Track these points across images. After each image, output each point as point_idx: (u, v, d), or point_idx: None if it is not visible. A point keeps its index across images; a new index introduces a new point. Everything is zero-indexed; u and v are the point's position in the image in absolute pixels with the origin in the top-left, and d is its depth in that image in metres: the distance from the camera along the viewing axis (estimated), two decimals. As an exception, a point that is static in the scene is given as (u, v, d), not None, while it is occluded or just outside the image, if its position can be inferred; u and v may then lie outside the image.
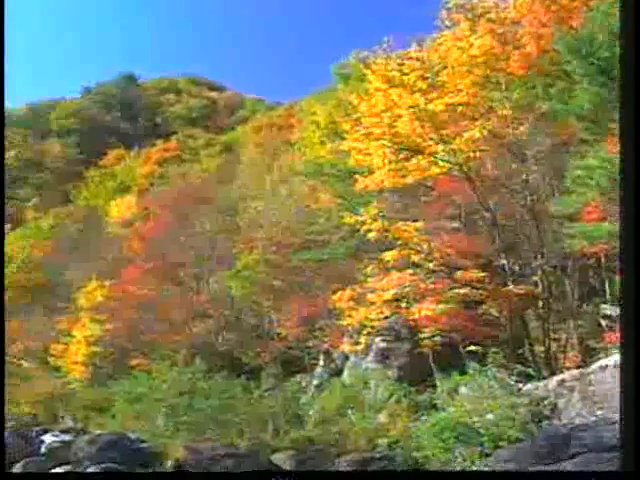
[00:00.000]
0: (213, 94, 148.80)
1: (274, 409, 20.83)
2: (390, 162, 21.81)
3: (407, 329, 22.07)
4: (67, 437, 22.82)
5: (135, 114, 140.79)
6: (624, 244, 7.77)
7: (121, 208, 73.95)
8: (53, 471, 17.10)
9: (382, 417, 19.31)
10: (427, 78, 21.83)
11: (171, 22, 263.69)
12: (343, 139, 25.25)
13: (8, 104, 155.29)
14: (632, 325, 7.30)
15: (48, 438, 23.21)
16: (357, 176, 23.69)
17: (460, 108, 21.46)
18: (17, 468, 17.64)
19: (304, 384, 27.02)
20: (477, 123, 21.01)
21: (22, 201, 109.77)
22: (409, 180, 22.01)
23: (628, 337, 7.42)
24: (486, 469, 13.13)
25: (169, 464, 17.45)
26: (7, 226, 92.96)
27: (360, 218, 22.29)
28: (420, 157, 21.65)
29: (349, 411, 20.44)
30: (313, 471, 13.82)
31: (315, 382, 26.29)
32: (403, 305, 21.72)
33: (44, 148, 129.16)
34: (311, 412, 21.64)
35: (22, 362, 44.27)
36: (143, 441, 20.13)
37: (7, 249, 71.91)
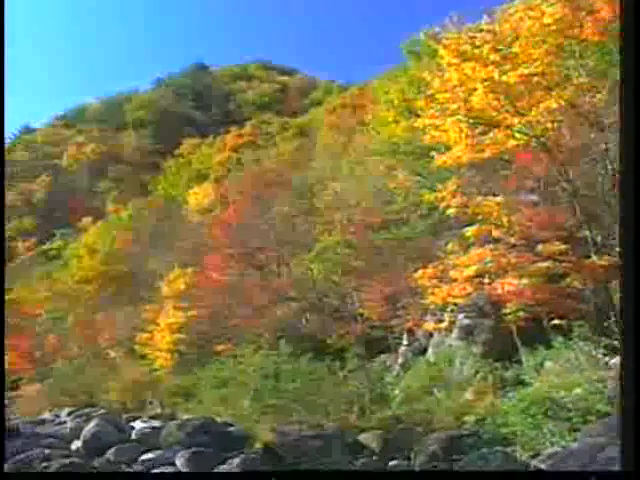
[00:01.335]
0: (284, 78, 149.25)
1: (359, 389, 20.86)
2: (466, 137, 21.59)
3: (490, 305, 21.85)
4: (156, 423, 23.15)
5: (208, 102, 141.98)
6: (624, 243, 7.68)
7: (199, 196, 74.70)
8: (144, 457, 17.40)
9: (468, 394, 19.19)
10: (500, 50, 21.47)
11: (239, 9, 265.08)
12: (418, 116, 25.02)
13: (83, 100, 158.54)
14: (632, 325, 7.26)
15: (138, 424, 23.58)
16: (434, 153, 23.52)
17: (535, 78, 21.04)
18: (109, 454, 18.05)
19: (388, 364, 27.02)
20: (553, 93, 20.61)
21: (102, 194, 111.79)
22: (486, 154, 21.74)
23: (628, 337, 7.39)
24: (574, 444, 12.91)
25: (257, 447, 17.65)
26: (88, 219, 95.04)
27: (439, 195, 22.16)
28: (496, 130, 21.37)
29: (434, 389, 20.38)
30: (313, 471, 13.75)
31: (399, 361, 26.26)
32: (486, 281, 21.55)
33: (121, 141, 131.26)
34: (396, 391, 21.63)
35: (109, 351, 45.18)
36: (231, 425, 20.37)
37: (89, 242, 73.49)
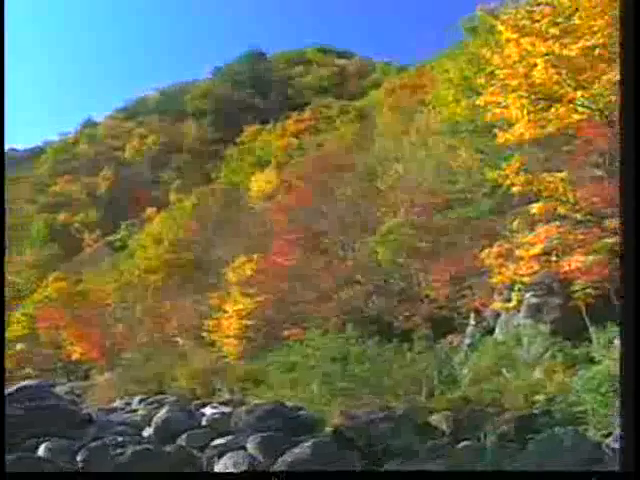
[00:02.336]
0: (342, 61, 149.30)
1: (428, 371, 20.86)
2: (528, 113, 21.26)
3: (558, 283, 21.61)
4: (226, 409, 23.41)
5: (266, 89, 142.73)
6: (624, 243, 7.62)
7: (261, 182, 75.07)
8: (215, 442, 17.59)
9: (537, 373, 19.04)
10: (559, 23, 21.09)
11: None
12: (478, 94, 24.77)
13: (142, 93, 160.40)
14: (632, 324, 7.18)
15: (208, 411, 23.87)
16: (496, 130, 23.25)
17: (596, 51, 20.60)
18: (181, 440, 18.32)
19: (456, 344, 26.92)
20: (615, 65, 20.21)
21: (164, 184, 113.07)
22: (549, 130, 21.38)
23: (628, 336, 7.31)
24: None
25: (327, 430, 17.73)
26: (152, 209, 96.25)
27: (502, 173, 21.92)
28: (559, 105, 21.01)
29: (503, 369, 20.25)
30: (314, 471, 13.70)
31: (467, 341, 26.14)
32: (552, 258, 21.28)
33: (181, 131, 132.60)
34: (465, 372, 21.57)
35: (177, 339, 45.76)
36: (300, 409, 20.49)
37: (154, 232, 74.44)
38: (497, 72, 22.41)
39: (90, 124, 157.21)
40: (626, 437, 7.17)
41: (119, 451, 15.87)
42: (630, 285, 7.32)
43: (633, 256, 7.29)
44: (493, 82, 22.54)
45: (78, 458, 15.73)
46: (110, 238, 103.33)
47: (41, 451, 16.34)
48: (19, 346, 66.77)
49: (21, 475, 11.05)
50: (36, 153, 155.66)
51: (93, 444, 16.64)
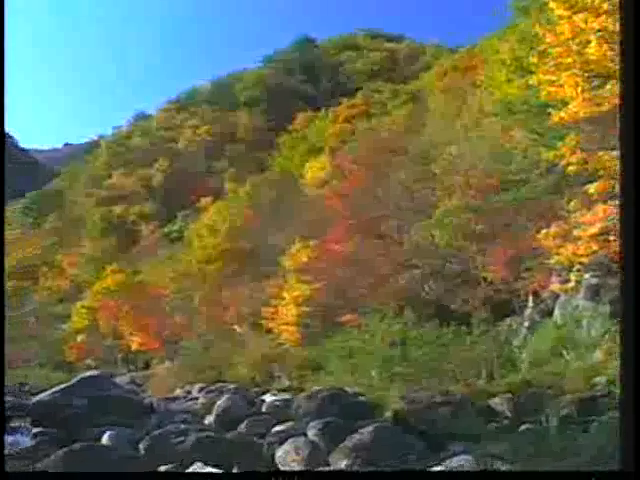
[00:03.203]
0: (392, 45, 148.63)
1: (487, 354, 20.76)
2: (583, 91, 20.96)
3: (617, 263, 21.33)
4: (286, 396, 23.58)
5: (317, 75, 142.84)
6: (624, 243, 7.50)
7: (315, 169, 75.17)
8: (276, 429, 17.73)
9: (598, 355, 18.84)
10: (612, -2, 20.77)
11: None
12: (531, 73, 24.51)
13: (195, 83, 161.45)
14: (632, 323, 7.13)
15: (268, 398, 24.08)
16: (550, 110, 22.97)
17: (651, 25, 20.27)
18: (242, 427, 18.52)
19: (514, 327, 26.74)
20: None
21: (219, 174, 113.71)
22: (604, 108, 21.01)
23: (628, 335, 7.25)
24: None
25: (387, 415, 17.76)
26: (207, 199, 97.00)
27: (558, 152, 21.66)
28: (613, 82, 20.69)
29: (563, 351, 20.08)
30: (314, 471, 13.63)
31: (526, 324, 25.94)
32: (611, 238, 21.00)
33: (234, 120, 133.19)
34: (524, 354, 21.45)
35: (235, 327, 46.09)
36: (360, 394, 20.55)
37: (210, 221, 75.05)
38: (550, 50, 22.13)
39: (143, 117, 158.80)
40: (626, 437, 7.19)
41: (181, 439, 16.07)
42: (630, 285, 7.25)
43: (633, 255, 7.22)
44: (546, 61, 22.27)
45: (141, 446, 15.96)
46: (166, 229, 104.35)
47: (105, 440, 16.63)
48: (80, 337, 67.97)
49: (21, 475, 11.23)
50: (91, 148, 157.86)
51: (155, 432, 16.89)
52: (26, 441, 17.23)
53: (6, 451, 15.63)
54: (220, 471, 13.94)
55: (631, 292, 7.23)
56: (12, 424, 19.53)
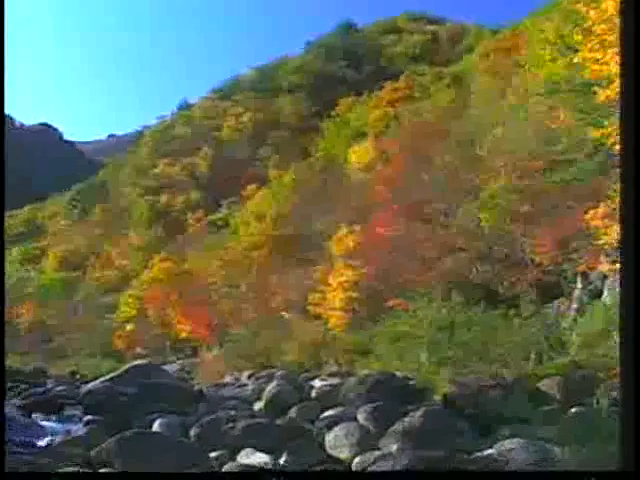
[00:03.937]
0: (433, 28, 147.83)
1: (535, 336, 20.61)
2: (629, 68, 20.67)
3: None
4: (335, 381, 23.61)
5: (359, 60, 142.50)
6: (624, 243, 7.40)
7: (359, 154, 74.88)
8: (325, 414, 17.79)
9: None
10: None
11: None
12: (576, 51, 24.18)
13: (238, 72, 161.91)
14: (632, 322, 7.06)
15: (317, 383, 24.14)
16: (595, 88, 22.66)
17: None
18: (292, 413, 18.62)
19: (563, 309, 26.51)
20: None
21: (263, 161, 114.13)
22: (651, 85, 20.75)
23: (628, 334, 7.17)
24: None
25: (436, 399, 17.75)
26: (252, 186, 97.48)
27: (604, 131, 21.37)
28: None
29: (613, 333, 19.85)
30: (313, 471, 13.52)
31: (574, 305, 25.69)
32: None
33: (277, 107, 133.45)
34: (573, 336, 21.24)
35: (283, 314, 46.22)
36: (409, 378, 20.53)
37: (255, 208, 75.40)
38: (594, 28, 21.81)
39: (186, 106, 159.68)
40: (626, 437, 7.14)
41: (231, 425, 16.21)
42: (630, 284, 7.16)
43: (633, 255, 7.13)
44: (590, 38, 21.94)
45: (192, 433, 16.14)
46: (212, 217, 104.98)
47: (156, 426, 16.83)
48: (129, 327, 68.69)
49: (21, 475, 11.37)
50: (135, 138, 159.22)
51: (206, 419, 17.06)
52: (79, 429, 17.49)
53: (60, 439, 15.89)
54: (269, 457, 14.05)
55: (631, 292, 7.15)
56: (65, 412, 19.87)
